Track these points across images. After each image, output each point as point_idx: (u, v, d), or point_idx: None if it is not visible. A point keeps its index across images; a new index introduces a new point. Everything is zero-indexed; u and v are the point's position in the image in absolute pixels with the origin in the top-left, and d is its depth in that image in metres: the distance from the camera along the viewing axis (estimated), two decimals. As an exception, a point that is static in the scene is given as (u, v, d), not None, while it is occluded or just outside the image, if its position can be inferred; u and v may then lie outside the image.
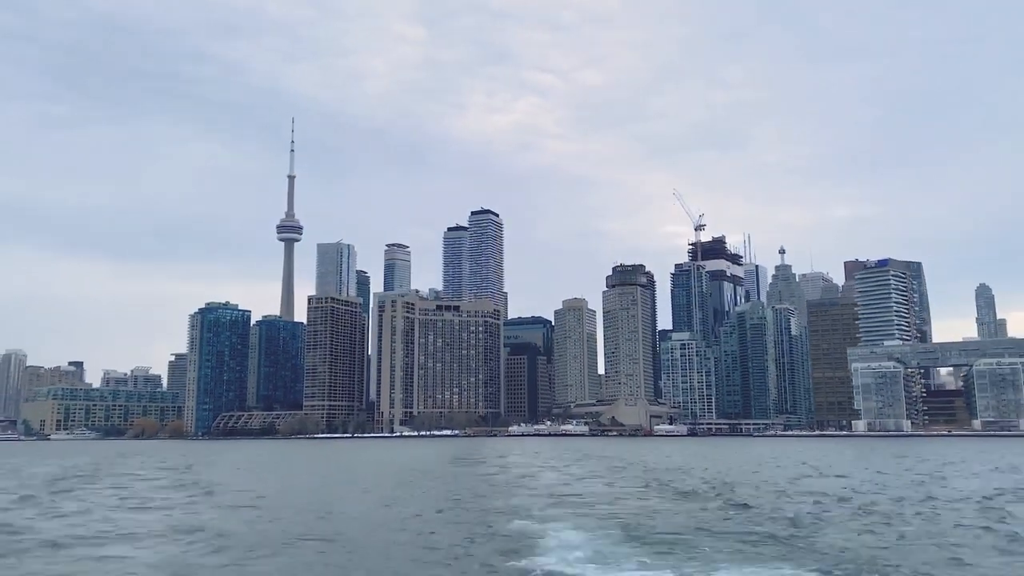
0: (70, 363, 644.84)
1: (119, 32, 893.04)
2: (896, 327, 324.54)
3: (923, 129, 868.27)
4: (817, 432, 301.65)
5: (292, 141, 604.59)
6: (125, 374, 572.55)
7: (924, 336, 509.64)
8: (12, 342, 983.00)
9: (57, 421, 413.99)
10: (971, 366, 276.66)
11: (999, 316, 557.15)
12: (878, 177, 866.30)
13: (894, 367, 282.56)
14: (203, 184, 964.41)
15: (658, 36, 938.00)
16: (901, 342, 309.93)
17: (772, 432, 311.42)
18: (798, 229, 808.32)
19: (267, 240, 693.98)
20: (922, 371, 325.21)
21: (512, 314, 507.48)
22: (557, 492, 53.13)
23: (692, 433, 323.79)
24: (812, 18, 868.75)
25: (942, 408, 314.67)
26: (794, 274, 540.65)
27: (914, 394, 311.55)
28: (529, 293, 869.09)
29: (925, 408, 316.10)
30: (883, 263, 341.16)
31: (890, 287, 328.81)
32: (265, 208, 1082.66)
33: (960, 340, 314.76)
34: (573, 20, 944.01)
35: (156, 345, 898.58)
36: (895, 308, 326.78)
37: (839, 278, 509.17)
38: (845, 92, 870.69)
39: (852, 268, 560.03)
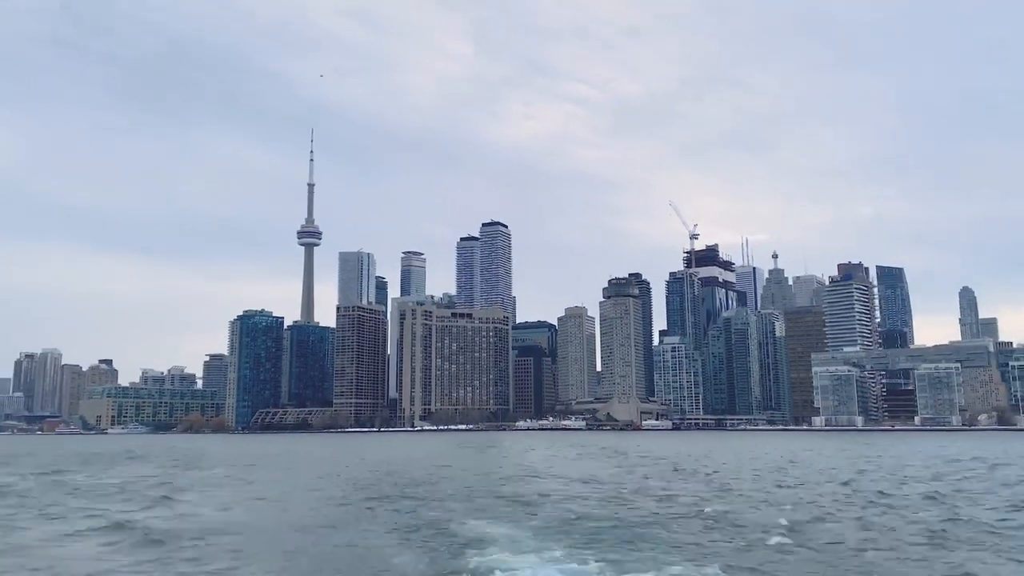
0: (100, 360, 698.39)
1: (183, 50, 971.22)
2: (858, 334, 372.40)
3: (947, 134, 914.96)
4: (780, 427, 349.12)
5: (311, 151, 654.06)
6: (162, 373, 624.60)
7: (904, 337, 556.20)
8: (43, 338, 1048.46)
9: (111, 417, 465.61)
10: (914, 369, 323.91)
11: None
12: (901, 180, 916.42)
13: (848, 371, 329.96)
14: (242, 188, 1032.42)
15: (694, 48, 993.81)
16: (860, 348, 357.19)
17: (744, 427, 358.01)
18: (820, 229, 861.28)
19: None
20: (902, 372, 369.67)
21: (524, 314, 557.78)
22: (528, 463, 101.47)
23: (676, 427, 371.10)
24: (842, 28, 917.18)
25: (902, 405, 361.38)
26: (786, 277, 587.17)
27: (873, 393, 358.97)
28: (553, 289, 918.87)
29: (886, 405, 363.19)
30: (847, 277, 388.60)
31: (853, 299, 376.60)
32: (298, 211, 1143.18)
33: (922, 346, 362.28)
34: (612, 34, 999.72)
35: (183, 342, 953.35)
36: (857, 317, 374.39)
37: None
38: (872, 99, 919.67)
39: (844, 270, 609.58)
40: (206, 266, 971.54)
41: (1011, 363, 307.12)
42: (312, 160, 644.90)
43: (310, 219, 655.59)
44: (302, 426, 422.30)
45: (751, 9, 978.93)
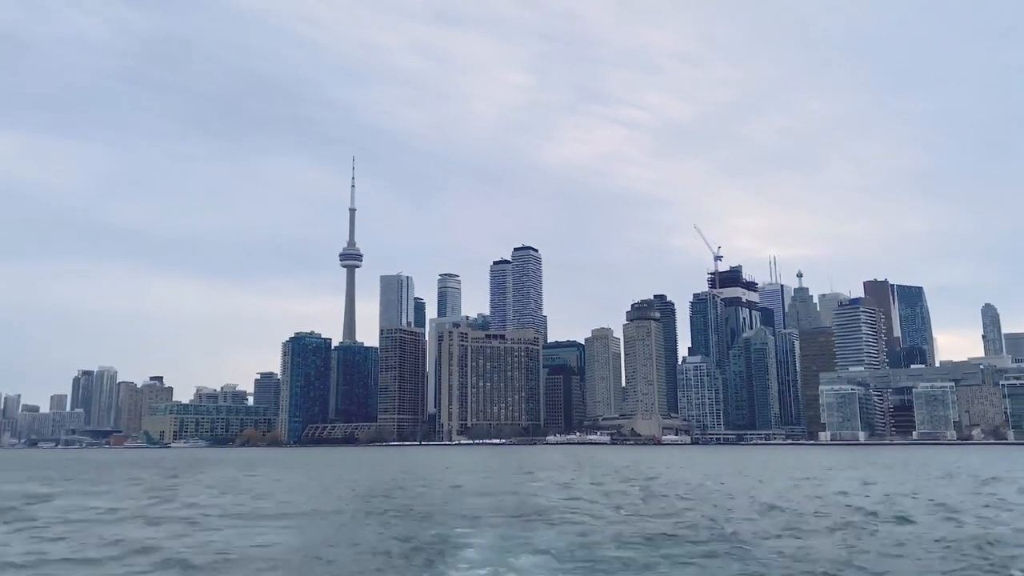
0: (151, 378, 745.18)
1: (256, 83, 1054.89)
2: (865, 353, 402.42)
3: (988, 155, 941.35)
4: (790, 441, 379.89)
5: (352, 178, 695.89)
6: (216, 390, 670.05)
7: (923, 354, 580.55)
8: (99, 356, 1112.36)
9: (174, 432, 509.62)
10: (913, 387, 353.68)
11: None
12: (939, 197, 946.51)
13: (852, 389, 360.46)
14: (298, 210, 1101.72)
15: (742, 72, 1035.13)
16: (864, 367, 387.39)
17: (756, 441, 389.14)
18: (857, 244, 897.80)
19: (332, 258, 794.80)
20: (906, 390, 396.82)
21: (557, 330, 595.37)
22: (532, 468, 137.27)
23: (695, 442, 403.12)
24: (888, 53, 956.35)
25: (905, 421, 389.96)
26: (811, 296, 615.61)
27: (880, 409, 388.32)
28: (592, 304, 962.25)
29: (892, 421, 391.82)
30: (855, 301, 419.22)
31: (860, 320, 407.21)
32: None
33: (919, 366, 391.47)
34: (665, 61, 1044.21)
35: (233, 359, 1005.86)
36: (864, 338, 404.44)
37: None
38: (913, 118, 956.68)
39: (870, 288, 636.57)
40: (256, 285, 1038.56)
41: (1001, 382, 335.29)
42: (353, 187, 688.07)
43: (351, 242, 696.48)
44: (349, 440, 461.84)
45: (797, 34, 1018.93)
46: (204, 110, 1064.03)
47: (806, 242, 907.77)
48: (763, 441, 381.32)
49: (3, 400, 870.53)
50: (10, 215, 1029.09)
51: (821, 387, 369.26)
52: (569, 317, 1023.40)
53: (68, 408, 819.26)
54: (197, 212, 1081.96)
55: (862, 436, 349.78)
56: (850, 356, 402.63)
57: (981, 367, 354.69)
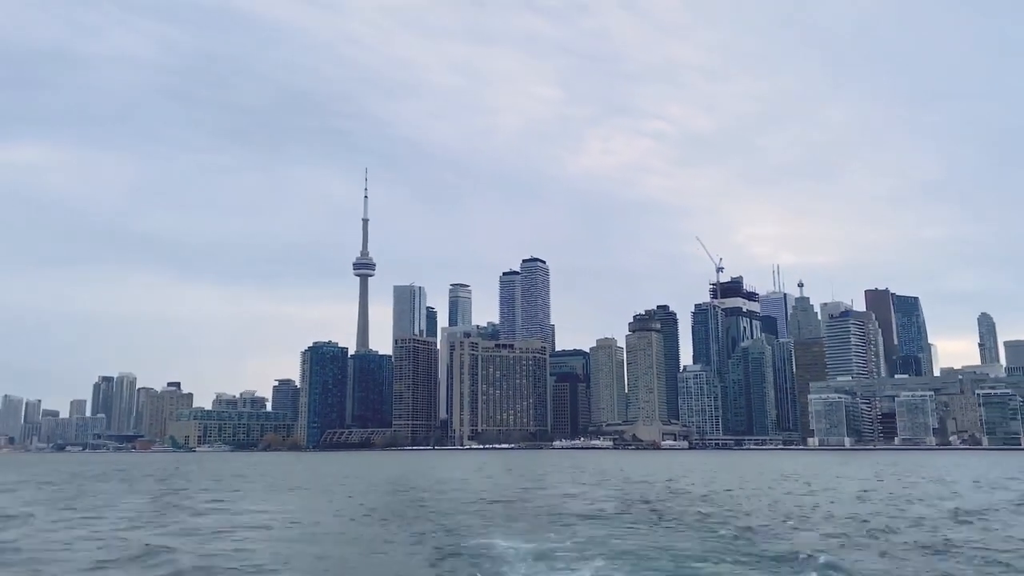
0: (168, 383, 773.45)
1: (292, 97, 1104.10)
2: (854, 363, 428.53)
3: (1002, 164, 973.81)
4: (782, 447, 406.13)
5: (366, 189, 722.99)
6: (235, 396, 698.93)
7: (918, 362, 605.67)
8: (119, 362, 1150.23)
9: (198, 437, 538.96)
10: (896, 396, 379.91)
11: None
12: (956, 206, 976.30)
13: (838, 398, 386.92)
14: (324, 219, 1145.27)
15: (767, 86, 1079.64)
16: (853, 377, 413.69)
17: (750, 447, 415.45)
18: (877, 252, 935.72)
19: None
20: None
21: (566, 338, 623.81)
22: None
23: (692, 447, 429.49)
24: (910, 64, 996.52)
25: (890, 428, 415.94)
26: (811, 305, 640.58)
27: (869, 416, 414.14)
28: (611, 309, 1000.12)
29: (881, 427, 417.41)
30: (845, 315, 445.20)
31: (849, 332, 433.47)
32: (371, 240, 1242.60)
33: (903, 376, 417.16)
34: (692, 77, 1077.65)
35: (249, 365, 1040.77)
36: (853, 349, 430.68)
37: (860, 305, 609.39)
38: (933, 129, 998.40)
39: (871, 297, 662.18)
40: (275, 292, 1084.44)
41: (977, 391, 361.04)
42: (367, 197, 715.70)
43: (364, 251, 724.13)
44: (365, 444, 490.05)
45: (817, 48, 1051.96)
46: (240, 124, 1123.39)
47: (821, 249, 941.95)
48: (756, 447, 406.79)
49: (24, 405, 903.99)
50: (46, 225, 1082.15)
51: (810, 396, 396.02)
52: (581, 323, 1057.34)
53: (88, 413, 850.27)
54: (224, 220, 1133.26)
55: (847, 442, 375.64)
56: (840, 366, 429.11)
57: (960, 378, 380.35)
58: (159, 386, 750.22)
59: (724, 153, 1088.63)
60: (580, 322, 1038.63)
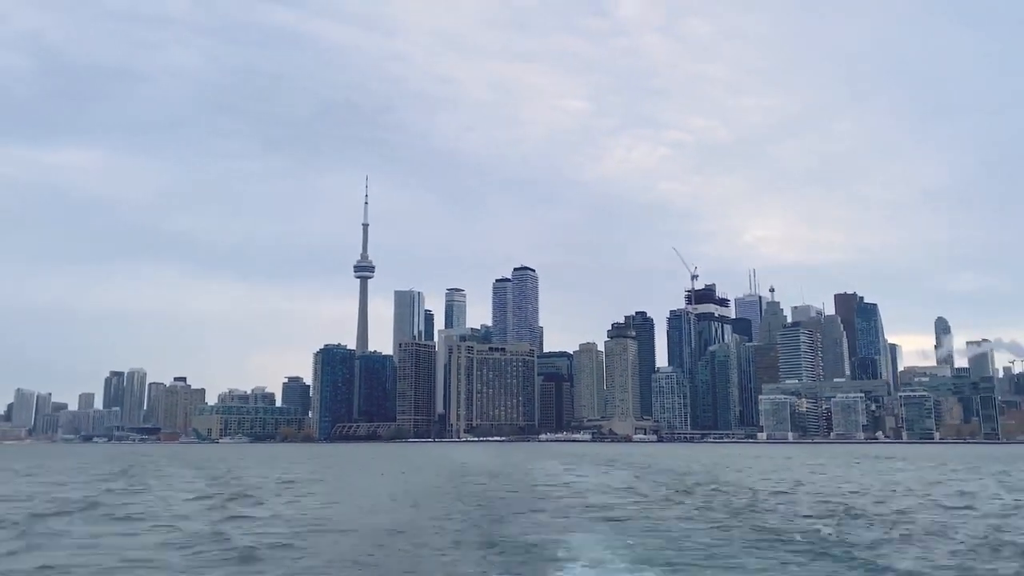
0: (175, 378, 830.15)
1: (333, 109, 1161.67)
2: (802, 368, 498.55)
3: (1005, 173, 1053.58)
4: (735, 440, 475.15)
5: (366, 195, 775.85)
6: (246, 392, 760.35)
7: (875, 364, 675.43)
8: (128, 357, 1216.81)
9: (220, 429, 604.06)
10: (832, 396, 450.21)
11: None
12: (958, 213, 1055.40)
13: (784, 398, 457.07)
14: (347, 223, 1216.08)
15: (785, 100, 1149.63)
16: (799, 380, 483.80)
17: (710, 440, 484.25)
18: (877, 254, 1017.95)
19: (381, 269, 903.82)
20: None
21: (555, 339, 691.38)
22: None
23: (660, 440, 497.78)
24: (923, 79, 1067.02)
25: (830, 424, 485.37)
26: (781, 309, 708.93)
27: (815, 413, 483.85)
28: (601, 310, 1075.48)
29: (825, 424, 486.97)
30: (796, 324, 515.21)
31: (799, 340, 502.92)
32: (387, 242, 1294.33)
33: (840, 380, 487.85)
34: (716, 92, 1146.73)
35: (256, 361, 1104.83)
36: (802, 355, 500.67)
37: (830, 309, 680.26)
38: (947, 143, 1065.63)
39: (839, 301, 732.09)
40: (285, 291, 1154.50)
41: (899, 394, 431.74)
42: (367, 203, 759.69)
43: (364, 255, 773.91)
44: (372, 437, 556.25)
45: (834, 63, 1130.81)
46: (280, 133, 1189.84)
47: (825, 250, 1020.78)
48: (715, 440, 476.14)
49: (35, 398, 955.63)
50: (70, 223, 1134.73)
51: (760, 396, 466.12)
52: (573, 322, 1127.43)
53: (97, 406, 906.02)
54: (249, 222, 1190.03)
55: (791, 436, 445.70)
56: (790, 369, 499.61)
57: (888, 382, 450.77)
58: (167, 381, 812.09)
59: (738, 161, 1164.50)
60: (572, 321, 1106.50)
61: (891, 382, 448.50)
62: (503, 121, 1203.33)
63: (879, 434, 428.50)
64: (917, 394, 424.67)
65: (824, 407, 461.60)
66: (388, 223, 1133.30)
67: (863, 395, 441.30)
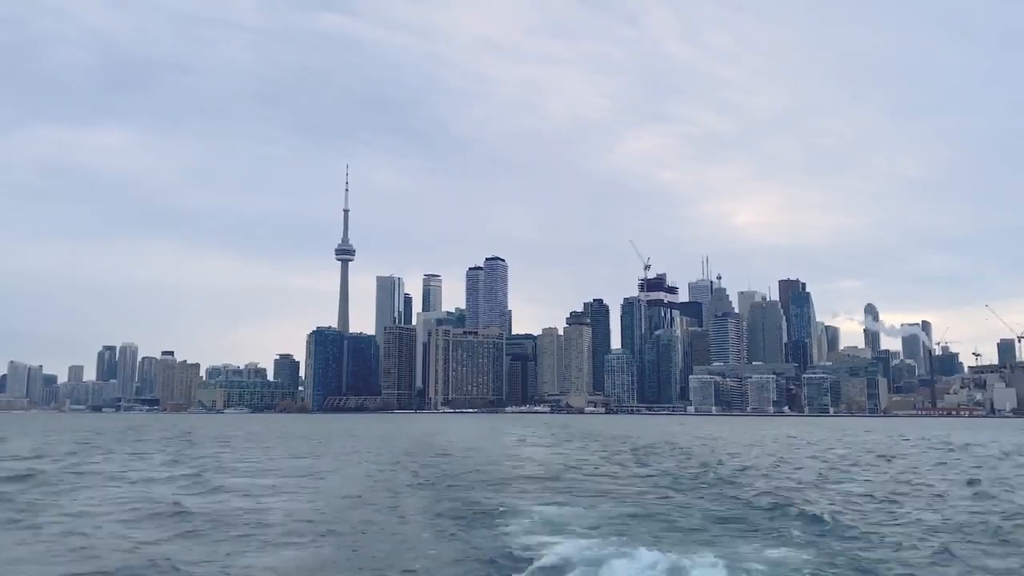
0: (163, 352, 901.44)
1: (366, 101, 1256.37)
2: (728, 352, 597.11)
3: (986, 164, 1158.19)
4: (671, 412, 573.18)
5: (347, 182, 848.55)
6: (239, 367, 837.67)
7: (805, 347, 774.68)
8: (114, 328, 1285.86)
9: (224, 401, 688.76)
10: (750, 377, 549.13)
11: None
12: (945, 203, 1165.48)
13: (709, 378, 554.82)
14: (357, 205, 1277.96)
15: (785, 97, 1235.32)
16: (724, 363, 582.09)
17: (652, 412, 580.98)
18: (859, 239, 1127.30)
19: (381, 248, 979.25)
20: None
21: (524, 323, 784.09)
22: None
23: (608, 412, 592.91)
24: (906, 78, 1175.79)
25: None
26: (728, 295, 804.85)
27: (739, 392, 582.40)
28: (571, 288, 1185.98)
29: (747, 400, 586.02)
30: (726, 315, 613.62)
31: (727, 327, 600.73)
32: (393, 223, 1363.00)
33: (758, 363, 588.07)
34: (726, 90, 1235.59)
35: (244, 336, 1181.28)
36: (729, 341, 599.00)
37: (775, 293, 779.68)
38: (928, 136, 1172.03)
39: (783, 286, 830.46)
40: (275, 266, 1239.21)
41: (804, 376, 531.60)
42: (347, 190, 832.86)
43: (345, 238, 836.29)
44: (360, 409, 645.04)
45: (833, 62, 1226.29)
46: (310, 123, 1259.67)
47: (808, 236, 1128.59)
48: (649, 412, 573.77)
49: (28, 370, 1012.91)
50: (96, 200, 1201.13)
51: (690, 376, 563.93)
52: (548, 308, 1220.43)
53: (88, 378, 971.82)
54: (262, 199, 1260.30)
55: (714, 410, 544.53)
56: (718, 353, 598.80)
57: (795, 365, 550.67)
58: (156, 354, 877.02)
59: (735, 154, 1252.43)
60: (540, 305, 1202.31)
61: (811, 363, 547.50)
62: (525, 114, 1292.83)
63: (786, 409, 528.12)
64: (817, 375, 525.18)
65: (743, 386, 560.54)
66: (393, 204, 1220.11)
67: (775, 376, 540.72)
